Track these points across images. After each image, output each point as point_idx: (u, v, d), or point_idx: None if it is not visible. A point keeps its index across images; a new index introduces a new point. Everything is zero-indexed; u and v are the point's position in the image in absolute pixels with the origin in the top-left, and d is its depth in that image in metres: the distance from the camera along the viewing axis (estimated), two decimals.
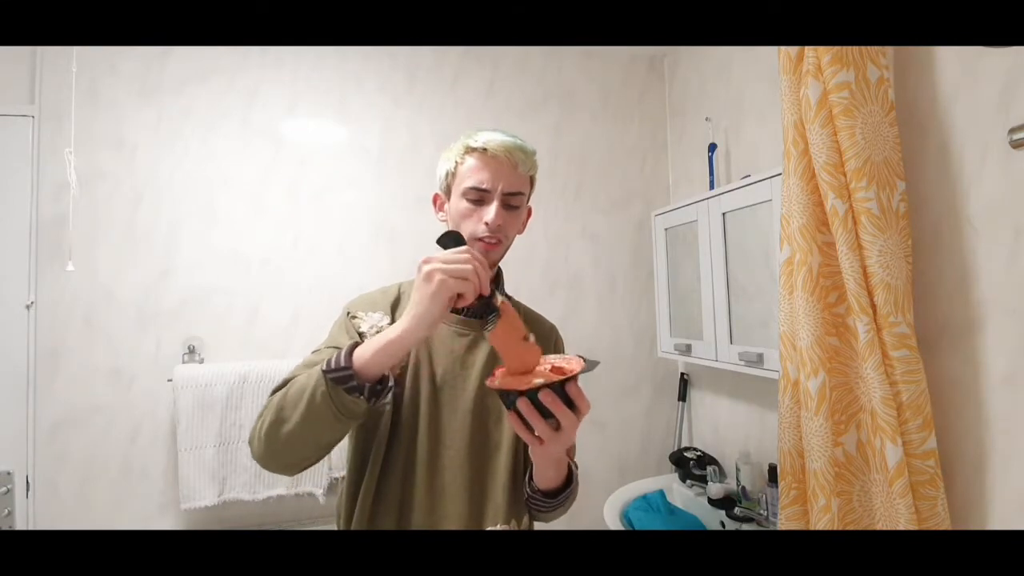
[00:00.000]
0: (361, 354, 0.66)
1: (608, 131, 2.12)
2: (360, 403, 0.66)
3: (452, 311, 0.86)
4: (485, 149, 0.81)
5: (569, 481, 0.83)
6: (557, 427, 0.64)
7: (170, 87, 1.70)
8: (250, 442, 0.73)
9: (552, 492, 0.81)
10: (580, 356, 0.69)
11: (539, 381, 0.62)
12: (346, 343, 0.79)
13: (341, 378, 0.65)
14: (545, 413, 0.63)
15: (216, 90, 1.74)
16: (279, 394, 0.71)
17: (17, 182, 1.51)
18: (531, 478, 0.81)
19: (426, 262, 0.66)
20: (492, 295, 0.68)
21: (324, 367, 0.66)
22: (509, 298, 0.96)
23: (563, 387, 0.62)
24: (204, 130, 1.72)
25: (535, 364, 0.69)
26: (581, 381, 0.65)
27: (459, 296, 0.66)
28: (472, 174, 0.81)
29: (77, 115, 1.57)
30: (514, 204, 0.83)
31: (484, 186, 0.80)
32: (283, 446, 0.69)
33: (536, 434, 0.65)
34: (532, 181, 0.88)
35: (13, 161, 1.51)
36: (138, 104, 1.67)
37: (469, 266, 0.65)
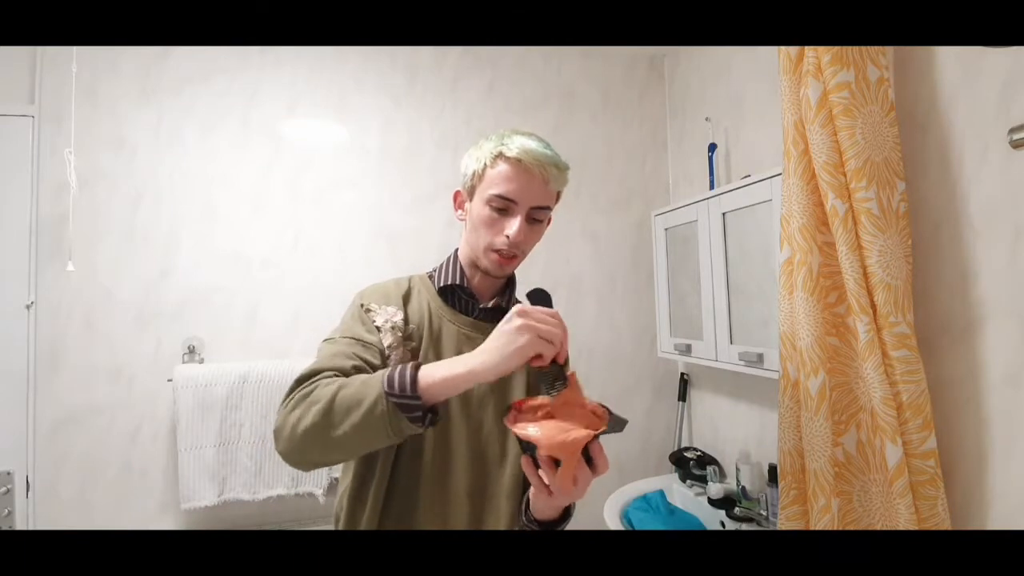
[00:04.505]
0: (425, 382, 0.63)
1: (608, 131, 2.12)
2: (415, 428, 0.62)
3: (462, 312, 0.85)
4: (519, 160, 0.77)
5: (566, 514, 0.80)
6: (572, 481, 0.63)
7: (170, 87, 1.70)
8: (277, 432, 0.67)
9: (548, 523, 0.78)
10: (603, 406, 0.67)
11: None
12: (364, 335, 0.77)
13: (406, 405, 0.61)
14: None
15: (216, 90, 1.74)
16: (323, 394, 0.65)
17: (17, 182, 1.50)
18: (527, 507, 0.78)
19: (521, 315, 0.63)
20: (566, 363, 0.68)
21: (387, 387, 0.62)
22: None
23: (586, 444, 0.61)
24: (204, 130, 1.72)
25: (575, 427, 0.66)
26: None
27: (537, 356, 0.64)
28: (500, 182, 0.77)
29: (77, 115, 1.57)
30: (538, 219, 0.80)
31: (511, 197, 0.77)
32: (323, 449, 0.65)
33: (547, 484, 0.64)
34: (559, 195, 0.85)
35: (13, 161, 1.50)
36: (138, 104, 1.67)
37: (559, 332, 0.64)
